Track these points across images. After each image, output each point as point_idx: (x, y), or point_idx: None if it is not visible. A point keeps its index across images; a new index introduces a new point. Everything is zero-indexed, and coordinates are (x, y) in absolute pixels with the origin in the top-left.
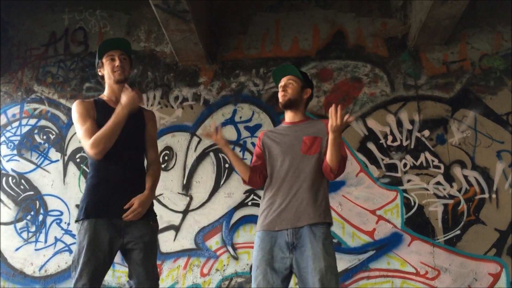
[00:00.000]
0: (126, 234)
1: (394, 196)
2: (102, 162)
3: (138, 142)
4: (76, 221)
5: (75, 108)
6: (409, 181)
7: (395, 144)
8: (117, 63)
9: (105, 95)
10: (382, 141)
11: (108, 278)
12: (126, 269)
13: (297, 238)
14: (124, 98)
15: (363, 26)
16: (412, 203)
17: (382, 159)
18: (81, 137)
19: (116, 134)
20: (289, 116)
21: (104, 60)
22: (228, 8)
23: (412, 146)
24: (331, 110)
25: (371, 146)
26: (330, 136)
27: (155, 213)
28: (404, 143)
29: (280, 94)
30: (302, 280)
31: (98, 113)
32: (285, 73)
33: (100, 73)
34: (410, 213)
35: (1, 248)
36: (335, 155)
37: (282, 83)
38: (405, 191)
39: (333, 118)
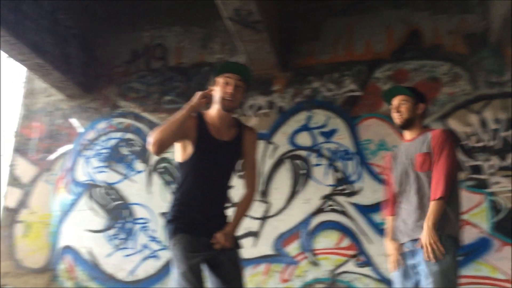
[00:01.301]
0: (214, 249)
1: (480, 199)
2: (188, 187)
3: (229, 170)
4: (169, 240)
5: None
6: (496, 183)
7: (480, 144)
8: (230, 89)
9: (210, 115)
10: (465, 142)
11: None
12: None
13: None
14: (194, 100)
15: (440, 24)
16: (501, 207)
17: (466, 161)
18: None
19: (171, 128)
20: (407, 134)
21: (220, 79)
22: (299, 14)
23: (498, 147)
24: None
25: None
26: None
27: (237, 239)
28: (490, 144)
29: (395, 116)
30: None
31: (198, 138)
32: (395, 94)
33: (210, 89)
34: (499, 217)
35: (95, 255)
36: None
37: (394, 103)
38: (492, 194)
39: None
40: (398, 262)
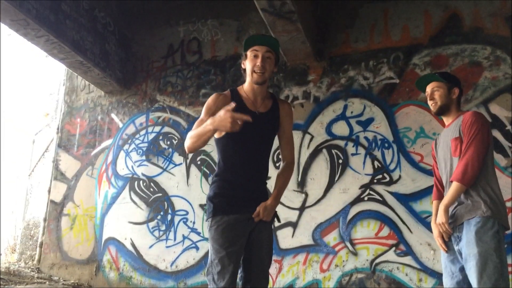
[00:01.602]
0: (253, 222)
1: None
2: (228, 163)
3: (267, 144)
4: (207, 219)
5: (209, 99)
6: None
7: None
8: (259, 61)
9: (244, 89)
10: (509, 127)
11: None
12: None
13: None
14: (217, 119)
15: (480, 6)
16: None
17: (510, 147)
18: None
19: (198, 143)
20: (445, 120)
21: (248, 53)
22: (334, 2)
23: None
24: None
25: (495, 133)
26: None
27: (277, 213)
28: None
29: (429, 103)
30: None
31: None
32: (427, 81)
33: (242, 66)
34: None
35: (137, 246)
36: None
37: (428, 91)
38: None
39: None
40: (445, 246)
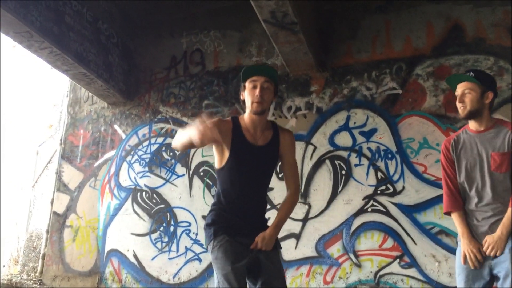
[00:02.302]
0: (255, 252)
1: None
2: (226, 195)
3: (266, 174)
4: (208, 244)
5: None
6: None
7: None
8: (257, 91)
9: (245, 120)
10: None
11: None
12: None
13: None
14: (192, 129)
15: (483, 17)
16: None
17: None
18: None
19: (178, 145)
20: (473, 124)
21: (247, 84)
22: (336, 14)
23: None
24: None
25: None
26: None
27: (279, 241)
28: None
29: (458, 106)
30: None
31: (234, 144)
32: (460, 80)
33: (241, 97)
34: None
35: (139, 258)
36: None
37: (458, 92)
38: None
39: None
40: (476, 262)
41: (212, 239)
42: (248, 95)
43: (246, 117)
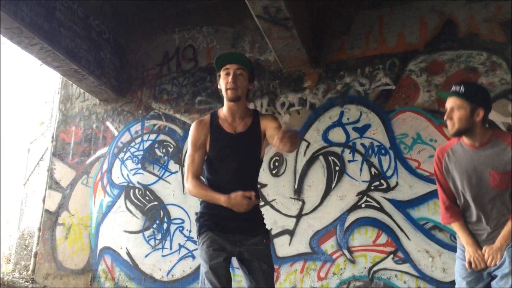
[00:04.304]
0: (241, 244)
1: None
2: (213, 184)
3: (250, 163)
4: (197, 238)
5: (191, 131)
6: None
7: None
8: (230, 78)
9: (222, 111)
10: (504, 131)
11: None
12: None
13: None
14: (233, 202)
15: (475, 12)
16: None
17: None
18: (186, 165)
19: (202, 199)
20: (466, 139)
21: (221, 73)
22: (329, 9)
23: None
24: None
25: None
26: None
27: (268, 231)
28: None
29: (447, 122)
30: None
31: (212, 138)
32: (450, 95)
33: (219, 86)
34: None
35: (132, 255)
36: None
37: (447, 106)
38: None
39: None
40: (479, 267)
41: (198, 234)
42: (222, 83)
43: (224, 106)
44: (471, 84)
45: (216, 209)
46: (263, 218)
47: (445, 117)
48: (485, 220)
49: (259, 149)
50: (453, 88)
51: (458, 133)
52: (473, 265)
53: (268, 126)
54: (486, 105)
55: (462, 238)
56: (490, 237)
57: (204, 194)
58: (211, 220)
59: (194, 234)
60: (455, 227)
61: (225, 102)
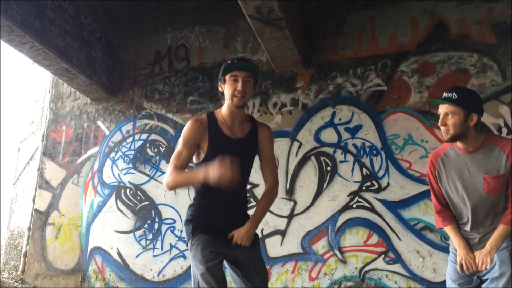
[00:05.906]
0: (236, 248)
1: None
2: (206, 188)
3: (245, 167)
4: (187, 241)
5: (186, 128)
6: None
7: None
8: (239, 85)
9: (222, 113)
10: (496, 134)
11: None
12: None
13: None
14: (211, 171)
15: (466, 13)
16: None
17: None
18: (171, 159)
19: (182, 187)
20: (460, 144)
21: (227, 77)
22: (321, 10)
23: None
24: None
25: None
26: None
27: (258, 236)
28: None
29: (441, 128)
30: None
31: (211, 140)
32: (443, 102)
33: (220, 89)
34: None
35: (123, 255)
36: None
37: (440, 112)
38: None
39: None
40: (470, 270)
41: (190, 237)
42: (228, 88)
43: (225, 110)
44: (463, 90)
45: (208, 214)
46: None
47: (439, 123)
48: (477, 224)
49: (254, 156)
50: (445, 94)
51: (453, 139)
52: (464, 268)
53: (263, 145)
54: (479, 110)
55: (454, 241)
56: (482, 241)
57: (185, 178)
58: (204, 223)
59: (185, 234)
60: (448, 230)
61: (227, 106)
